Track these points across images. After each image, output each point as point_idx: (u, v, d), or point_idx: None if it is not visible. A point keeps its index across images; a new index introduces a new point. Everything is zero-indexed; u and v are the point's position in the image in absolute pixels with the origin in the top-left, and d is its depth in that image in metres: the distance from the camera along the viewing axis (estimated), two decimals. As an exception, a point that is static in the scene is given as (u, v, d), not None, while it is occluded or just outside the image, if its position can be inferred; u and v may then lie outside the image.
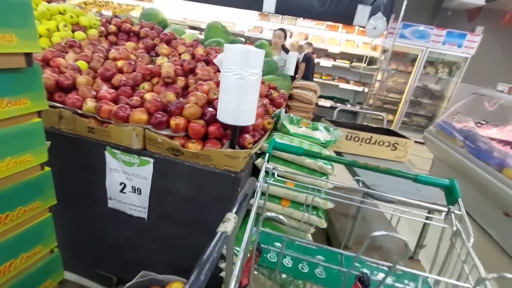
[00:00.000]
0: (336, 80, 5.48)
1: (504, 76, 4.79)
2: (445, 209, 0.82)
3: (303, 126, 1.40)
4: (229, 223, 0.51)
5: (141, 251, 1.29)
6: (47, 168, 0.96)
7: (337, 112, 2.77)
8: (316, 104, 2.78)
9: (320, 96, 5.48)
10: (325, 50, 5.25)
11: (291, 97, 2.90)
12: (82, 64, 1.42)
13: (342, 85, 5.39)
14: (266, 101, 1.57)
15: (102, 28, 1.94)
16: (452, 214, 0.82)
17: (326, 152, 1.32)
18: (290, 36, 5.35)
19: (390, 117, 5.43)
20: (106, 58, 1.53)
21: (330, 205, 1.19)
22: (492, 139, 2.82)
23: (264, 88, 1.62)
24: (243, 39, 5.23)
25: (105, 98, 1.13)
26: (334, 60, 5.32)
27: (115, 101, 1.17)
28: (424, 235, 1.61)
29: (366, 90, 5.33)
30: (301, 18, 5.33)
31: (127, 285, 0.95)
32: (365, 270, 0.60)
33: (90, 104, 1.12)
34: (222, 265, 1.06)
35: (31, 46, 0.78)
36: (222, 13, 5.45)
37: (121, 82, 1.29)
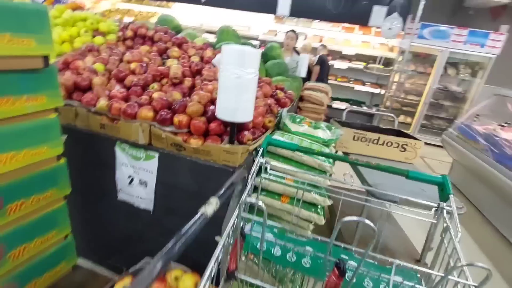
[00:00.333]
0: (351, 82, 5.41)
1: (532, 77, 4.53)
2: (435, 205, 0.82)
3: (305, 125, 1.42)
4: (210, 206, 0.56)
5: (148, 242, 1.36)
6: (62, 160, 1.05)
7: (348, 114, 2.75)
8: (330, 106, 2.78)
9: (335, 99, 5.43)
10: (339, 52, 5.20)
11: (302, 99, 2.92)
12: (99, 67, 1.53)
13: (358, 87, 5.31)
14: (271, 101, 1.61)
15: (120, 33, 2.07)
16: (444, 210, 0.82)
17: (327, 150, 1.33)
18: (305, 39, 5.36)
19: (409, 119, 5.27)
20: (121, 60, 1.64)
21: (328, 202, 1.21)
22: (516, 142, 2.68)
23: (269, 88, 1.66)
24: (256, 42, 5.28)
25: (116, 97, 1.22)
26: (350, 62, 5.26)
27: (126, 99, 1.26)
28: (431, 237, 1.56)
29: (383, 92, 5.22)
30: (316, 21, 5.32)
31: (131, 269, 1.02)
32: (344, 256, 0.61)
33: (102, 102, 1.21)
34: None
35: (47, 49, 0.87)
36: (238, 18, 5.56)
37: (132, 83, 1.38)
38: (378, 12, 4.42)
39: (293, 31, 3.36)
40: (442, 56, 4.64)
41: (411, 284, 0.66)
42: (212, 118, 1.13)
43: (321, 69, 4.12)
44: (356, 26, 5.18)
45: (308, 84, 3.03)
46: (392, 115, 2.50)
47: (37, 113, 0.93)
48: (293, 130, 1.36)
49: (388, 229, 2.04)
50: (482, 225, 2.80)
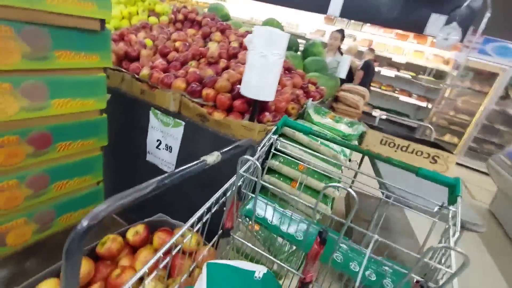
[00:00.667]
0: (397, 92, 5.15)
1: None
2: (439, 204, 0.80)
3: (328, 118, 1.43)
4: (211, 157, 0.63)
5: (166, 203, 1.49)
6: (104, 115, 1.21)
7: (386, 124, 2.65)
8: (368, 114, 2.70)
9: (376, 107, 5.21)
10: (388, 59, 4.97)
11: (337, 99, 2.88)
12: (148, 41, 1.69)
13: (403, 98, 5.03)
14: (300, 91, 1.65)
15: (172, 16, 2.25)
16: (450, 211, 0.79)
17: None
18: (354, 41, 5.22)
19: (455, 140, 4.87)
20: (169, 39, 1.80)
21: (337, 193, 1.22)
22: None
23: (300, 80, 1.69)
24: (302, 41, 5.26)
25: (157, 68, 1.36)
26: (398, 71, 5.00)
27: (165, 71, 1.39)
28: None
29: (430, 106, 4.89)
30: (368, 24, 5.15)
31: (145, 220, 1.14)
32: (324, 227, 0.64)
33: (145, 71, 1.35)
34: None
35: (105, 14, 1.01)
36: (288, 15, 5.60)
37: (174, 58, 1.51)
38: (436, 20, 4.15)
39: (338, 31, 3.31)
40: (505, 76, 4.20)
41: (396, 269, 0.67)
42: (237, 96, 1.20)
43: (365, 74, 3.99)
44: (411, 34, 4.91)
45: (346, 86, 2.98)
46: (429, 125, 2.36)
47: (90, 69, 1.09)
48: (315, 120, 1.38)
49: (401, 238, 1.96)
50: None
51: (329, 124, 1.39)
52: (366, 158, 2.33)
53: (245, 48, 1.81)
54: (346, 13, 4.66)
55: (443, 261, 0.66)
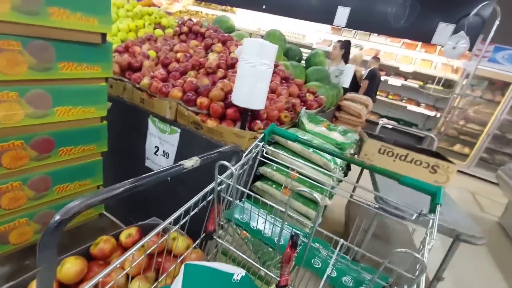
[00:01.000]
0: (404, 101, 5.09)
1: None
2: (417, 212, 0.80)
3: (322, 127, 1.45)
4: (190, 161, 0.67)
5: (163, 207, 1.54)
6: (104, 122, 1.28)
7: (395, 134, 2.62)
8: (373, 122, 2.69)
9: (384, 116, 5.17)
10: (396, 68, 4.95)
11: (339, 108, 2.90)
12: (151, 53, 1.78)
13: (411, 107, 4.97)
14: (296, 100, 1.68)
15: (177, 29, 2.35)
16: (431, 220, 0.79)
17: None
18: (361, 49, 5.24)
19: (466, 150, 4.75)
20: (171, 50, 1.88)
21: (328, 202, 1.23)
22: None
23: (297, 88, 1.73)
24: (308, 51, 5.35)
25: (156, 78, 1.43)
26: (405, 80, 4.96)
27: (165, 81, 1.46)
28: (445, 265, 1.44)
29: (439, 115, 4.80)
30: (375, 34, 5.17)
31: (138, 223, 1.19)
32: (297, 231, 0.66)
33: (145, 81, 1.42)
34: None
35: (106, 28, 1.09)
36: (295, 26, 5.69)
37: (174, 68, 1.58)
38: (443, 29, 4.12)
39: (339, 41, 3.35)
40: (517, 85, 4.10)
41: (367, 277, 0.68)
42: (231, 104, 1.25)
43: (370, 84, 3.98)
44: (419, 43, 4.88)
45: (349, 95, 3.00)
46: (431, 135, 2.33)
47: (92, 79, 1.16)
48: (308, 128, 1.41)
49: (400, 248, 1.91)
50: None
51: (322, 133, 1.41)
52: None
53: (245, 59, 1.88)
54: (352, 23, 4.70)
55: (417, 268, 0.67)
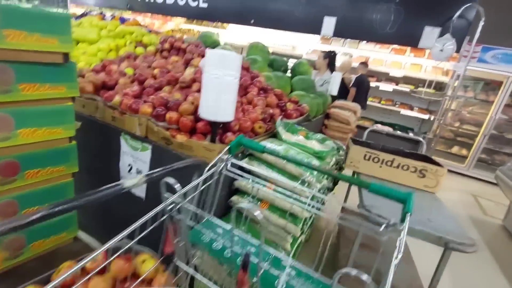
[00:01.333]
0: (397, 106, 5.07)
1: None
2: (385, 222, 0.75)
3: (300, 135, 1.41)
4: (130, 181, 0.63)
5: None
6: (73, 142, 1.25)
7: (391, 139, 2.56)
8: (365, 128, 2.63)
9: (377, 122, 5.14)
10: (386, 74, 4.96)
11: (328, 116, 2.87)
12: (128, 70, 1.77)
13: (405, 112, 4.94)
14: (276, 110, 1.65)
15: (159, 45, 2.36)
16: (402, 232, 0.73)
17: (315, 162, 1.30)
18: (350, 57, 5.27)
19: (464, 152, 4.68)
20: (149, 67, 1.88)
21: (306, 214, 1.17)
22: None
23: (275, 98, 1.70)
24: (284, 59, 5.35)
25: (128, 95, 1.41)
26: (396, 84, 4.96)
27: (137, 97, 1.44)
28: (438, 276, 1.35)
29: (433, 118, 4.76)
30: (364, 42, 5.21)
31: (106, 246, 1.13)
32: (252, 250, 0.61)
33: (117, 98, 1.40)
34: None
35: (68, 48, 1.07)
36: (284, 37, 5.77)
37: (148, 85, 1.57)
38: (430, 33, 4.14)
39: (323, 51, 3.39)
40: (508, 83, 4.07)
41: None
42: (201, 118, 1.22)
43: (358, 90, 3.96)
44: (408, 48, 4.91)
45: (337, 102, 2.98)
46: (420, 139, 2.28)
47: (57, 99, 1.14)
48: (284, 138, 1.37)
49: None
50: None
51: (299, 142, 1.37)
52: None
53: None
54: (339, 32, 4.73)
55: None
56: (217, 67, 1.02)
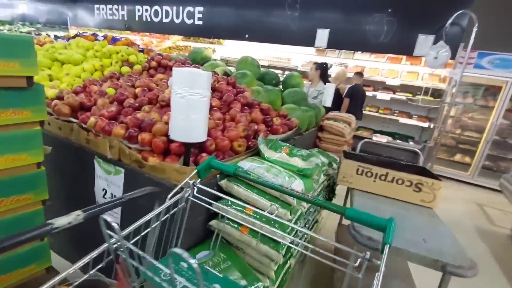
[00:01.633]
0: (396, 114, 4.99)
1: None
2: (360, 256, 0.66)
3: (283, 152, 1.34)
4: (65, 218, 0.55)
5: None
6: (42, 168, 1.19)
7: (389, 149, 2.48)
8: (364, 138, 2.55)
9: (377, 132, 5.05)
10: (382, 83, 4.91)
11: (322, 129, 2.80)
12: (110, 91, 1.73)
13: (403, 120, 4.86)
14: (261, 126, 1.59)
15: (146, 64, 2.34)
16: (381, 265, 0.64)
17: (298, 181, 1.22)
18: (346, 68, 5.25)
19: (467, 159, 4.54)
20: (133, 86, 1.84)
21: (287, 240, 1.08)
22: None
23: (259, 114, 1.64)
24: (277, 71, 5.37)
25: (103, 116, 1.36)
26: (393, 93, 4.90)
27: (114, 118, 1.39)
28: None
29: (432, 126, 4.67)
30: (359, 52, 5.21)
31: (74, 280, 1.05)
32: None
33: (92, 120, 1.35)
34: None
35: (31, 71, 1.03)
36: (280, 51, 5.79)
37: (128, 104, 1.52)
38: (424, 41, 4.11)
39: (316, 63, 3.36)
40: (508, 88, 3.99)
41: None
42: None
43: (352, 100, 3.90)
44: (404, 57, 4.88)
45: (331, 114, 2.92)
46: (416, 150, 2.19)
47: (22, 124, 1.09)
48: (267, 156, 1.30)
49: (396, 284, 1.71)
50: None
51: (282, 159, 1.29)
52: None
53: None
54: (333, 43, 4.71)
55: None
56: (183, 86, 0.96)
